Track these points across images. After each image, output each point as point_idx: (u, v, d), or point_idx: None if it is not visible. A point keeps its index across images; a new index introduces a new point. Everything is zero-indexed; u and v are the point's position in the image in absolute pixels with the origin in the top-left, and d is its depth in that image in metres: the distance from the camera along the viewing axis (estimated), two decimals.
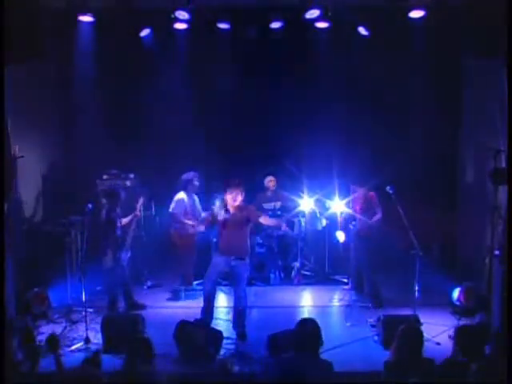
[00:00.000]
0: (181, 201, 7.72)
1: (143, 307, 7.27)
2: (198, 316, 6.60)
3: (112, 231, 7.04)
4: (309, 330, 4.25)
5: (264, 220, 6.69)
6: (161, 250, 8.39)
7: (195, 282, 8.32)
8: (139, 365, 4.28)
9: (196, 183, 7.81)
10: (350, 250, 7.75)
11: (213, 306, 6.66)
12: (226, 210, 6.39)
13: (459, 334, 4.43)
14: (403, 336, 4.42)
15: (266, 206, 8.64)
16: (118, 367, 4.47)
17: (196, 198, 7.95)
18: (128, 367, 4.26)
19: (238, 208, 6.40)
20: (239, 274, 6.44)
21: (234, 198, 6.33)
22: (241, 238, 6.42)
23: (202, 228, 6.99)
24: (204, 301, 6.63)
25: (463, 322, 6.49)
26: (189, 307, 7.52)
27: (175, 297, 7.83)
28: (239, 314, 6.50)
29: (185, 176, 7.80)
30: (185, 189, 7.76)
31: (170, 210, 7.73)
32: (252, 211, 6.54)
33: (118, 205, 7.13)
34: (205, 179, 8.25)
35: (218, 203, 6.47)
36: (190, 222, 7.65)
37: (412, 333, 4.46)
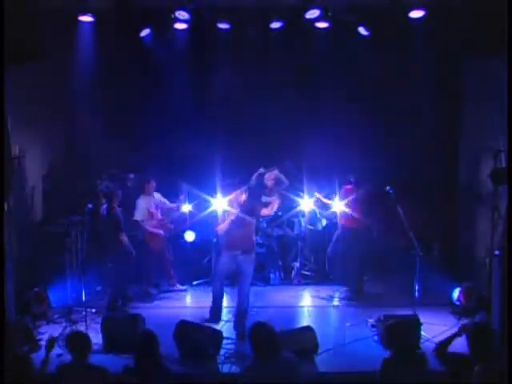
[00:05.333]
0: (140, 206, 7.78)
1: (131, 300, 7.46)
2: (197, 316, 6.64)
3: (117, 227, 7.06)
4: (264, 334, 4.27)
5: (266, 210, 6.88)
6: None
7: (195, 282, 8.33)
8: (147, 360, 4.30)
9: (152, 184, 7.89)
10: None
11: (221, 306, 6.77)
12: (232, 209, 6.54)
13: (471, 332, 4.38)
14: (390, 331, 4.46)
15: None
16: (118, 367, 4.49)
17: (158, 195, 8.01)
18: (137, 364, 4.28)
19: (244, 206, 6.54)
20: (245, 270, 6.57)
21: (238, 197, 6.52)
22: (247, 235, 6.56)
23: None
24: (212, 301, 6.75)
25: (464, 321, 6.49)
26: (188, 307, 7.56)
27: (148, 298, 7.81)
28: (241, 314, 6.54)
29: (139, 178, 8.01)
30: (142, 192, 7.85)
31: (134, 217, 7.76)
32: (256, 207, 6.72)
33: (114, 203, 7.12)
34: (204, 179, 8.27)
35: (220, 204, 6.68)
36: (153, 230, 7.82)
37: (398, 327, 4.50)
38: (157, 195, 8.02)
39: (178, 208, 8.06)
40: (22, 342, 5.70)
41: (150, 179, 7.92)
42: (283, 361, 4.26)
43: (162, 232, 7.94)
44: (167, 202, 8.08)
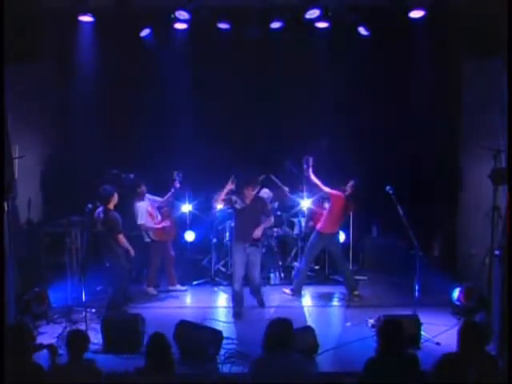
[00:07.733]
0: (140, 210, 7.73)
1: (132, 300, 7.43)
2: (197, 316, 6.66)
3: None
4: (281, 330, 4.27)
5: (268, 222, 7.22)
6: None
7: (195, 282, 8.33)
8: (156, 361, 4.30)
9: (142, 188, 7.81)
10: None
11: (242, 304, 7.14)
12: (243, 201, 7.01)
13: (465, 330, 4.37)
14: (383, 329, 4.46)
15: None
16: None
17: (148, 195, 7.95)
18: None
19: (254, 199, 7.03)
20: (253, 260, 7.07)
21: (251, 191, 6.99)
22: (255, 227, 6.96)
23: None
24: (234, 301, 7.08)
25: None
26: (188, 307, 7.55)
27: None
28: (255, 289, 7.26)
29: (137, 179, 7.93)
30: (136, 196, 7.79)
31: (140, 221, 7.71)
32: (266, 206, 7.20)
33: (111, 205, 7.08)
34: (204, 178, 8.28)
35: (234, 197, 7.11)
36: (156, 226, 7.82)
37: (390, 325, 4.50)
38: (148, 196, 7.97)
39: (172, 195, 7.90)
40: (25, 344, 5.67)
41: (141, 183, 7.83)
42: (293, 360, 4.24)
43: (168, 223, 7.91)
44: (159, 198, 7.99)
